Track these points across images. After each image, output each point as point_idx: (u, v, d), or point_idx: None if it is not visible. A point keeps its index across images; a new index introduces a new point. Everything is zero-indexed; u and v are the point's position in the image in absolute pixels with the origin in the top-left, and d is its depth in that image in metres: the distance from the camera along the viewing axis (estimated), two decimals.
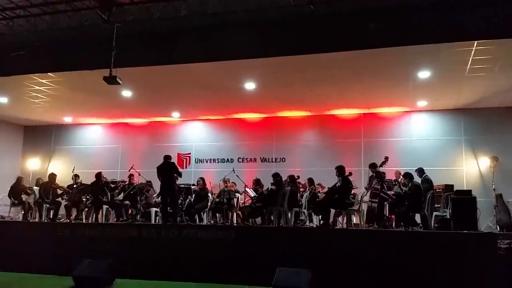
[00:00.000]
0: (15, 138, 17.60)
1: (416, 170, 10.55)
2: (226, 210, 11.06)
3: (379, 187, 9.87)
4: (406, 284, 7.90)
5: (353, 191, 10.45)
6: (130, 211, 11.83)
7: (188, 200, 11.62)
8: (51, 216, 11.64)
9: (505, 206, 12.55)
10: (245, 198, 12.02)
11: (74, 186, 11.96)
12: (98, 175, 11.63)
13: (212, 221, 11.51)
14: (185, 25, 10.48)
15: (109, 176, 12.40)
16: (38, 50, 11.22)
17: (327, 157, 14.28)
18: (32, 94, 13.49)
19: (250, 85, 12.33)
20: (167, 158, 10.83)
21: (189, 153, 16.11)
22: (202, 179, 11.88)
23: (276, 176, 10.51)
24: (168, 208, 10.50)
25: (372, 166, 10.38)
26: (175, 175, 10.67)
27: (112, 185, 12.04)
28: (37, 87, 12.80)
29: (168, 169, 10.61)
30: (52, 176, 12.17)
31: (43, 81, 12.25)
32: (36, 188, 12.12)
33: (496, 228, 12.19)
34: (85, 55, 11.06)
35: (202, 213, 11.43)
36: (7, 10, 10.16)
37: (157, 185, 11.77)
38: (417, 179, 10.15)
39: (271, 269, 7.73)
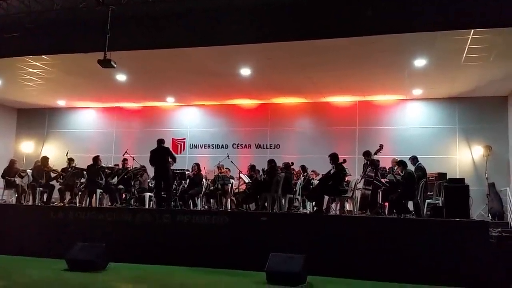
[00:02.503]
0: (8, 121, 17.50)
1: (409, 158, 10.59)
2: (220, 196, 11.09)
3: (373, 174, 9.92)
4: (398, 270, 7.98)
5: (346, 178, 10.49)
6: (124, 196, 11.84)
7: (182, 185, 11.64)
8: (45, 200, 11.62)
9: (497, 195, 12.71)
10: (239, 184, 12.05)
11: (69, 169, 11.92)
12: (95, 159, 11.63)
13: (206, 207, 11.54)
14: (181, 8, 10.38)
15: (103, 160, 12.35)
16: (32, 32, 11.08)
17: (321, 144, 14.32)
18: (26, 77, 13.38)
19: (245, 71, 12.28)
20: (161, 142, 10.76)
21: (184, 138, 16.09)
22: (197, 164, 11.88)
23: (270, 162, 10.54)
24: (162, 193, 10.50)
25: (366, 154, 10.43)
26: (169, 160, 10.64)
27: (108, 171, 12.02)
28: (30, 70, 12.69)
29: (162, 154, 10.57)
30: (45, 159, 12.12)
31: (37, 63, 12.15)
32: (29, 171, 12.08)
33: (488, 216, 12.35)
34: (79, 38, 10.94)
35: (196, 198, 11.45)
36: None
37: (151, 169, 11.78)
38: (411, 167, 10.20)
39: (264, 254, 7.78)
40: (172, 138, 15.94)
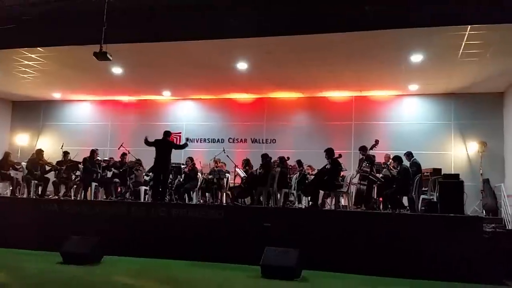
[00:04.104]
0: (3, 113, 17.40)
1: (404, 154, 10.61)
2: (215, 190, 11.10)
3: (369, 169, 9.94)
4: (392, 264, 8.01)
5: (342, 173, 10.51)
6: (119, 189, 11.82)
7: (177, 179, 11.63)
8: (40, 193, 11.59)
9: (492, 191, 12.76)
10: (234, 178, 12.05)
11: (64, 162, 11.87)
12: (92, 152, 11.62)
13: (201, 201, 11.54)
14: (178, 2, 10.32)
15: (99, 153, 12.34)
16: (28, 24, 10.98)
17: (317, 139, 14.32)
18: (21, 69, 13.30)
19: (242, 65, 12.26)
20: (167, 135, 10.72)
21: (180, 132, 16.03)
22: (191, 158, 11.87)
23: (265, 157, 10.53)
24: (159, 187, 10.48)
25: (362, 149, 10.46)
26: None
27: (104, 164, 12.01)
28: (26, 62, 12.62)
29: (165, 147, 10.52)
30: (39, 152, 12.08)
31: (33, 55, 12.08)
32: (24, 164, 12.04)
33: (482, 212, 12.39)
34: (75, 30, 10.83)
35: (191, 192, 11.45)
36: None
37: (146, 163, 11.79)
38: (406, 163, 10.22)
39: (259, 248, 7.80)
40: None
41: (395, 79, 13.10)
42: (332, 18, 9.77)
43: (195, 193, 11.60)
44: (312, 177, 10.95)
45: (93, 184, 11.51)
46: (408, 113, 14.47)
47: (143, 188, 11.69)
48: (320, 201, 10.05)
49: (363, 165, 10.11)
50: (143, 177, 12.12)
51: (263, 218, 8.95)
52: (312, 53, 11.06)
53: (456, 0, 9.08)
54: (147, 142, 10.48)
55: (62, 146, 12.54)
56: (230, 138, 15.66)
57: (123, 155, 12.20)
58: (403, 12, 9.42)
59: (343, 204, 10.64)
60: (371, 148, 10.35)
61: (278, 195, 10.13)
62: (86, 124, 16.94)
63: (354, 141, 14.05)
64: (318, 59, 11.51)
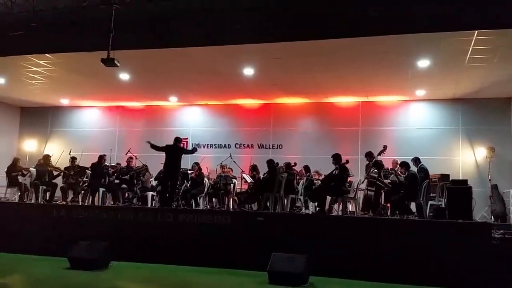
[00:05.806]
0: (12, 119, 17.53)
1: (412, 159, 10.55)
2: (222, 196, 11.09)
3: (376, 175, 9.90)
4: (400, 271, 7.97)
5: (349, 179, 10.47)
6: (126, 195, 11.85)
7: (184, 185, 11.64)
8: (47, 198, 11.64)
9: (500, 197, 12.67)
10: (241, 184, 12.04)
11: (72, 172, 11.91)
12: (100, 157, 11.67)
13: (208, 206, 11.54)
14: (185, 7, 10.38)
15: (107, 159, 12.38)
16: (36, 31, 11.09)
17: (324, 144, 14.30)
18: (30, 75, 13.40)
19: (248, 71, 12.28)
20: (177, 141, 10.77)
21: (186, 138, 16.02)
22: (197, 163, 11.88)
23: (270, 163, 10.52)
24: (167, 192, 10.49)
25: (368, 155, 10.42)
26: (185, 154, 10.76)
27: (112, 170, 12.05)
28: (34, 68, 12.72)
29: (176, 152, 10.55)
30: (47, 157, 12.14)
31: (41, 62, 12.17)
32: (32, 169, 12.10)
33: (491, 218, 12.30)
34: (83, 37, 10.93)
35: (198, 198, 11.45)
36: None
37: (153, 168, 11.80)
38: (413, 168, 10.17)
39: (266, 254, 7.78)
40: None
41: (402, 84, 13.06)
42: (338, 24, 9.78)
43: (202, 198, 11.60)
44: (319, 182, 10.92)
45: (101, 189, 11.54)
46: (415, 118, 14.42)
47: (150, 193, 11.72)
48: (327, 207, 10.01)
49: (371, 170, 10.08)
50: (150, 183, 12.14)
51: (270, 223, 8.94)
52: (318, 59, 11.06)
53: (463, 5, 9.07)
54: (155, 147, 10.53)
55: (70, 151, 12.59)
56: (236, 143, 15.68)
57: (130, 159, 12.23)
58: (409, 18, 9.42)
59: (350, 210, 10.59)
60: (379, 154, 10.30)
61: (285, 201, 10.11)
62: (93, 130, 17.02)
63: (361, 146, 14.02)
64: (324, 65, 11.51)
